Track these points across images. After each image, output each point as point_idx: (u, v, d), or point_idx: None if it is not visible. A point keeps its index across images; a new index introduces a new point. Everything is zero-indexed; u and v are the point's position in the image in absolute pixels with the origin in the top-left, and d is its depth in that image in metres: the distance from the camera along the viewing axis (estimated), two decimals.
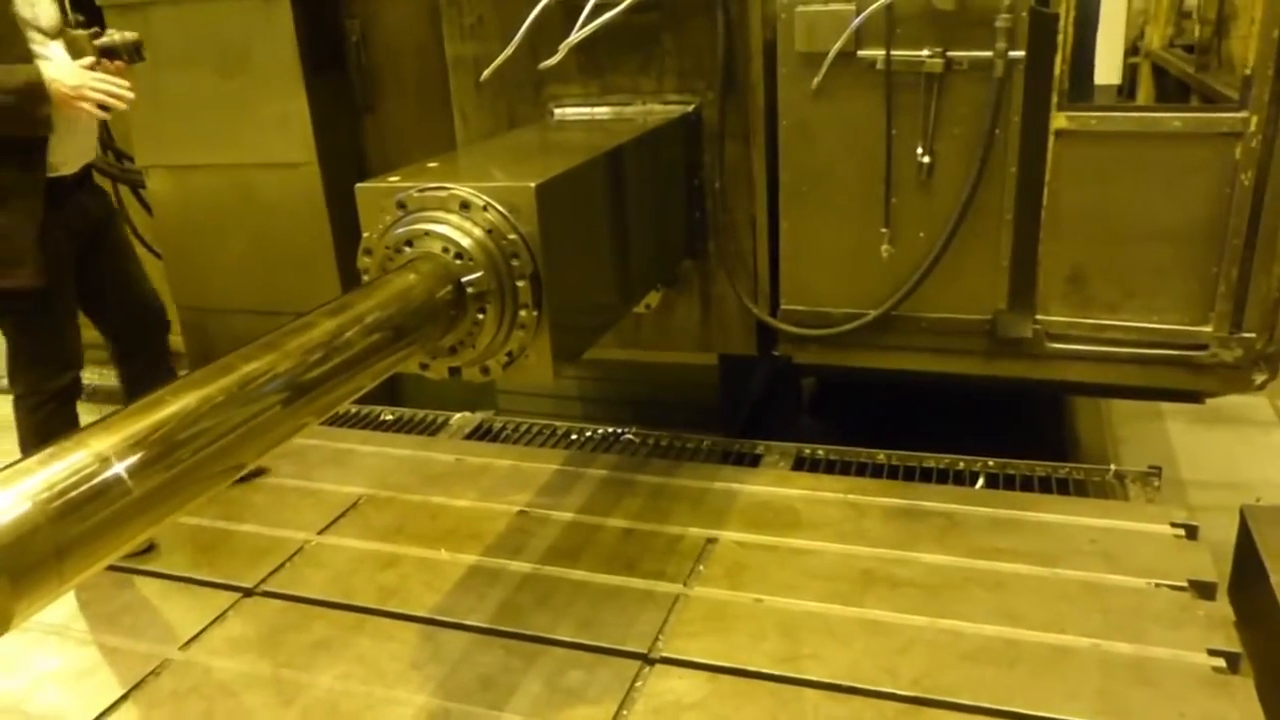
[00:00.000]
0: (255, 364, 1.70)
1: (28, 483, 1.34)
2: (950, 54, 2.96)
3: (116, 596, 2.92)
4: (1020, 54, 2.92)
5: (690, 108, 3.29)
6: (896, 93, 3.04)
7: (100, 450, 1.42)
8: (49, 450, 1.42)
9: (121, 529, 1.42)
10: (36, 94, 2.67)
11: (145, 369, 3.29)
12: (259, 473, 3.41)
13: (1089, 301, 3.13)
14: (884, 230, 3.16)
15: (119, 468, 1.42)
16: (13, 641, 2.71)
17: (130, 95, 2.83)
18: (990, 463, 3.37)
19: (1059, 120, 2.98)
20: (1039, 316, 3.17)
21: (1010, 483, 3.27)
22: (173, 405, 1.57)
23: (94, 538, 1.38)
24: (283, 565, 3.05)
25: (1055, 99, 2.96)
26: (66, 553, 1.34)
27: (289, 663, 2.62)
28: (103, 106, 2.82)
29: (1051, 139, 2.99)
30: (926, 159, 3.07)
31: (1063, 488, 3.23)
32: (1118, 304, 3.11)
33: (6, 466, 1.37)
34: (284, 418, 1.76)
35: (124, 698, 2.53)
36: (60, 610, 2.82)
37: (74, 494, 1.37)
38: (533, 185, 2.27)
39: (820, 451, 3.53)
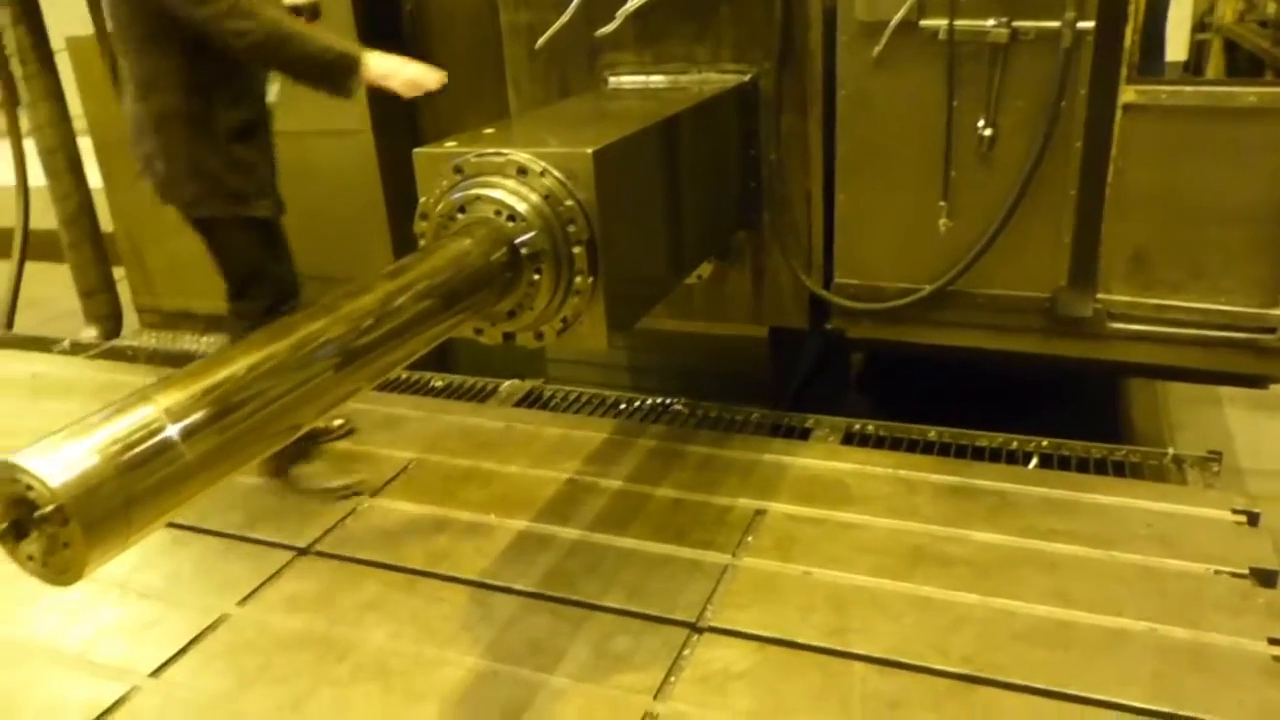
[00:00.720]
0: (318, 324, 1.72)
1: (97, 436, 1.38)
2: (1016, 24, 2.89)
3: (176, 552, 2.99)
4: (1089, 24, 2.84)
5: (746, 77, 3.25)
6: (959, 63, 2.98)
7: (167, 406, 1.45)
8: (117, 404, 1.45)
9: (185, 483, 1.45)
10: (351, 67, 2.76)
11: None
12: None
13: (1153, 281, 3.06)
14: (942, 204, 3.11)
15: (184, 424, 1.45)
16: (78, 593, 2.79)
17: (440, 78, 2.87)
18: (1044, 443, 3.31)
19: (1128, 94, 2.90)
20: (1100, 295, 3.11)
21: (1065, 464, 3.22)
22: (234, 365, 1.59)
23: (160, 491, 1.41)
24: (335, 526, 3.10)
25: (1124, 72, 2.88)
26: (135, 504, 1.37)
27: (341, 620, 2.66)
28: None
29: (1119, 113, 2.92)
30: (988, 132, 3.01)
31: (1118, 470, 3.17)
32: (1182, 284, 3.03)
33: (76, 421, 1.40)
34: (339, 381, 1.78)
35: (185, 649, 2.59)
36: (121, 564, 2.88)
37: (141, 448, 1.39)
38: (590, 151, 2.26)
39: (870, 427, 3.50)
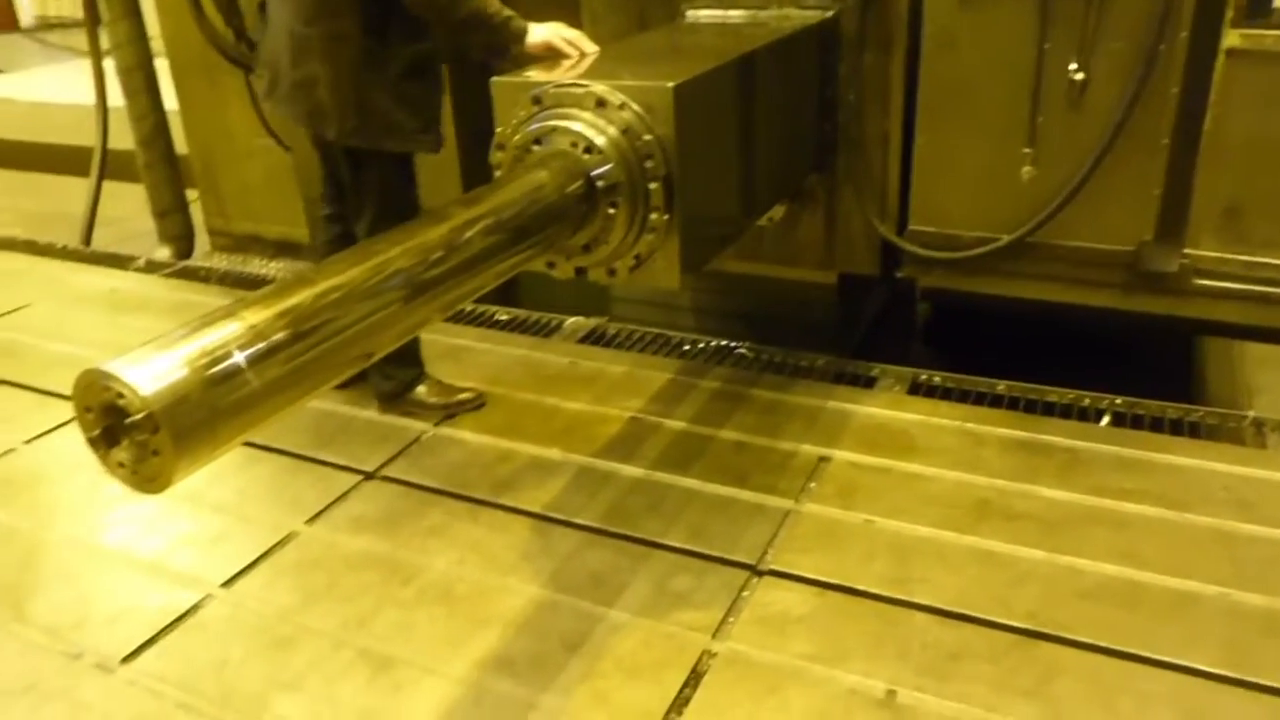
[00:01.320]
0: (411, 242, 1.73)
1: (185, 348, 1.40)
2: None
3: (247, 469, 3.06)
4: None
5: (829, 13, 3.17)
6: (1053, 3, 2.86)
7: (253, 323, 1.47)
8: (204, 319, 1.47)
9: (268, 399, 1.46)
10: (516, 35, 2.76)
11: None
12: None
13: (1244, 236, 2.96)
14: (1026, 151, 3.02)
15: (269, 341, 1.46)
16: (153, 504, 2.87)
17: (594, 48, 2.83)
18: (1118, 400, 3.23)
19: (1231, 38, 2.77)
20: (1187, 250, 3.01)
21: (1138, 423, 3.14)
22: (316, 287, 1.60)
23: (244, 406, 1.43)
24: (401, 453, 3.14)
25: (1229, 15, 2.75)
26: (220, 417, 1.39)
27: (406, 545, 2.71)
28: None
29: (1221, 58, 2.80)
30: (1080, 75, 2.90)
31: (1194, 432, 3.09)
32: (1276, 240, 2.92)
33: (165, 334, 1.42)
34: (415, 309, 1.78)
35: (255, 563, 2.66)
36: (194, 478, 2.95)
37: (227, 363, 1.41)
38: (671, 86, 2.22)
39: (937, 378, 3.44)
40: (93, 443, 1.37)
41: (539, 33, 2.75)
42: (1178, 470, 2.85)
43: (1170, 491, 2.75)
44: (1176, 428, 3.11)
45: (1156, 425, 3.12)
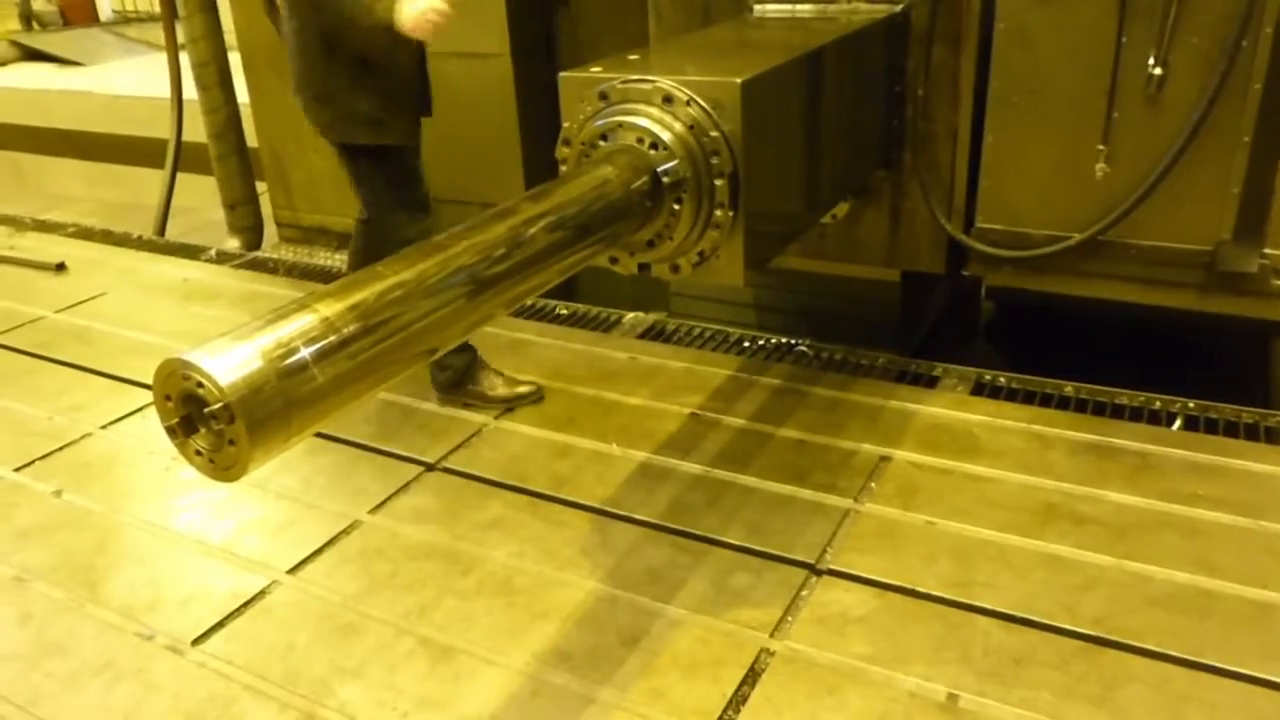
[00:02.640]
0: (480, 237, 1.75)
1: (261, 340, 1.42)
2: None
3: (311, 459, 3.12)
4: None
5: (898, 7, 3.12)
6: None
7: (326, 315, 1.49)
8: (279, 310, 1.49)
9: (342, 390, 1.49)
10: (380, 31, 2.81)
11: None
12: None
13: None
14: (1101, 148, 2.95)
15: (342, 333, 1.48)
16: (222, 491, 2.95)
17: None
18: (1190, 404, 3.15)
19: None
20: (1267, 250, 2.91)
21: (1212, 427, 3.06)
22: (388, 281, 1.62)
23: (318, 396, 1.45)
24: (462, 445, 3.18)
25: None
26: (294, 408, 1.41)
27: (466, 536, 2.74)
28: None
29: None
30: (1158, 71, 2.82)
31: (1270, 437, 3.00)
32: None
33: (242, 324, 1.45)
34: (479, 305, 1.80)
35: (320, 551, 2.71)
36: (262, 467, 3.04)
37: (302, 354, 1.44)
38: (739, 81, 2.21)
39: (1002, 378, 3.39)
40: (171, 431, 1.41)
41: (404, 18, 2.75)
42: (1253, 476, 2.77)
43: (1245, 498, 2.67)
44: (1252, 432, 3.02)
45: (1231, 430, 3.04)
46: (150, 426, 3.40)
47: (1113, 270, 3.10)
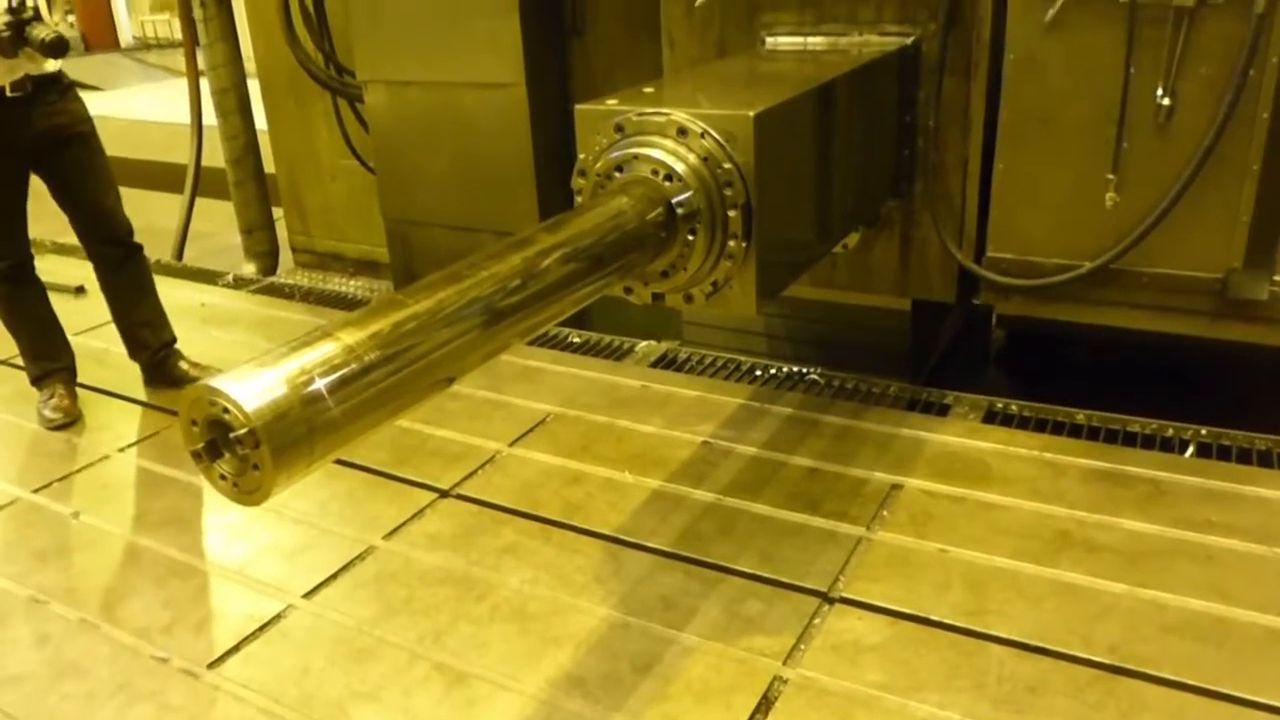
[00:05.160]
0: (497, 267, 1.78)
1: (284, 367, 1.46)
2: None
3: (327, 484, 3.14)
4: None
5: (909, 40, 3.16)
6: (1139, 27, 2.82)
7: (348, 343, 1.52)
8: (302, 338, 1.53)
9: (365, 415, 1.52)
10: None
11: (106, 275, 3.76)
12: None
13: None
14: (1110, 177, 2.97)
15: (364, 360, 1.52)
16: (238, 514, 2.97)
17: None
18: (1203, 431, 3.15)
19: None
20: (1277, 278, 2.93)
21: (1225, 454, 3.06)
22: (410, 310, 1.65)
23: (341, 422, 1.48)
24: (476, 471, 3.20)
25: None
26: (317, 434, 1.44)
27: (480, 562, 2.76)
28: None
29: None
30: (1166, 101, 2.85)
31: None
32: None
33: (266, 351, 1.49)
34: (495, 335, 1.83)
35: (335, 575, 2.73)
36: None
37: (325, 381, 1.47)
38: (752, 114, 2.24)
39: (1014, 406, 3.40)
40: (196, 455, 1.44)
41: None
42: (1267, 503, 2.77)
43: (1259, 524, 2.67)
44: (1265, 459, 3.02)
45: (1244, 456, 3.04)
46: (168, 450, 3.43)
47: (1124, 298, 3.11)
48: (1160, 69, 2.84)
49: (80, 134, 3.51)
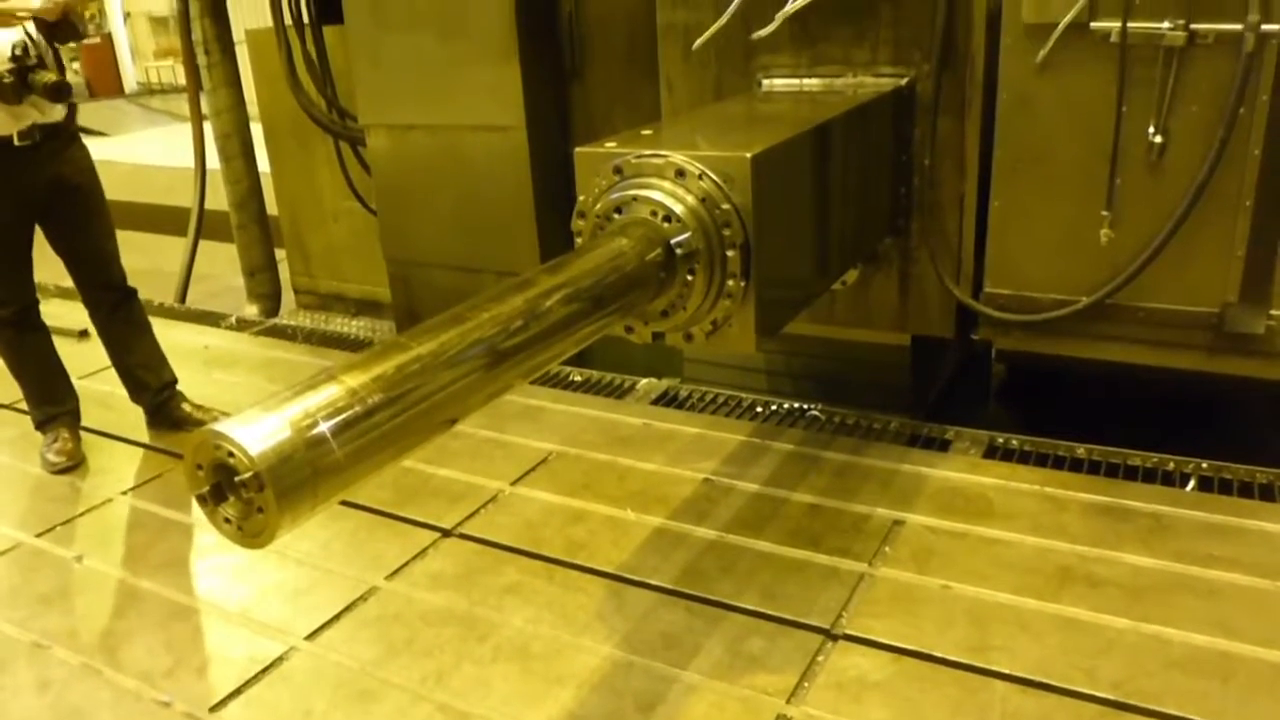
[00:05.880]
0: (498, 309, 1.80)
1: (288, 410, 1.47)
2: (1194, 26, 2.77)
3: (329, 524, 3.14)
4: (1275, 27, 2.69)
5: (904, 80, 3.21)
6: (1130, 67, 2.86)
7: (351, 386, 1.54)
8: (306, 381, 1.54)
9: (369, 457, 1.53)
10: None
11: (102, 319, 3.80)
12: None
13: None
14: (1105, 213, 3.00)
15: (368, 403, 1.53)
16: (240, 556, 2.97)
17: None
18: (1204, 464, 3.16)
19: None
20: (1273, 311, 2.95)
21: (1226, 487, 3.06)
22: (410, 353, 1.67)
23: (344, 465, 1.49)
24: (478, 510, 3.20)
25: None
26: (321, 476, 1.45)
27: (483, 602, 2.75)
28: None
29: None
30: (1158, 139, 2.89)
31: None
32: None
33: (270, 395, 1.50)
34: (497, 376, 1.85)
35: (337, 616, 2.73)
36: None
37: (328, 424, 1.48)
38: (748, 156, 2.27)
39: (1014, 441, 3.41)
40: (201, 499, 1.45)
41: None
42: (1269, 537, 2.77)
43: (1261, 558, 2.67)
44: (1266, 493, 3.03)
45: (1245, 490, 3.05)
46: (170, 492, 3.44)
47: (1121, 333, 3.13)
48: (1152, 107, 2.88)
49: (84, 183, 3.56)
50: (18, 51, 3.19)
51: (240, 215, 5.76)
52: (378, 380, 1.57)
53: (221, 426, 1.39)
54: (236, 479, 1.39)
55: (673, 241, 2.24)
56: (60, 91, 3.24)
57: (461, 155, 4.35)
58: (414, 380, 1.63)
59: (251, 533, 1.43)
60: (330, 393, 1.51)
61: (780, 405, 3.77)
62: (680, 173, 2.30)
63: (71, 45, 3.63)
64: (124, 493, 3.49)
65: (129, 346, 3.83)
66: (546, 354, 1.96)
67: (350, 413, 1.51)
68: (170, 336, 4.92)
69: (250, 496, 1.40)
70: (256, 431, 1.40)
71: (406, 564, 2.95)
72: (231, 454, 1.39)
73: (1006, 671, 2.35)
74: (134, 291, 3.81)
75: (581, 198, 2.42)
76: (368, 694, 2.44)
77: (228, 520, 1.45)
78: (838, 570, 2.77)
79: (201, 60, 5.44)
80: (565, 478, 3.37)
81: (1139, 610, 2.51)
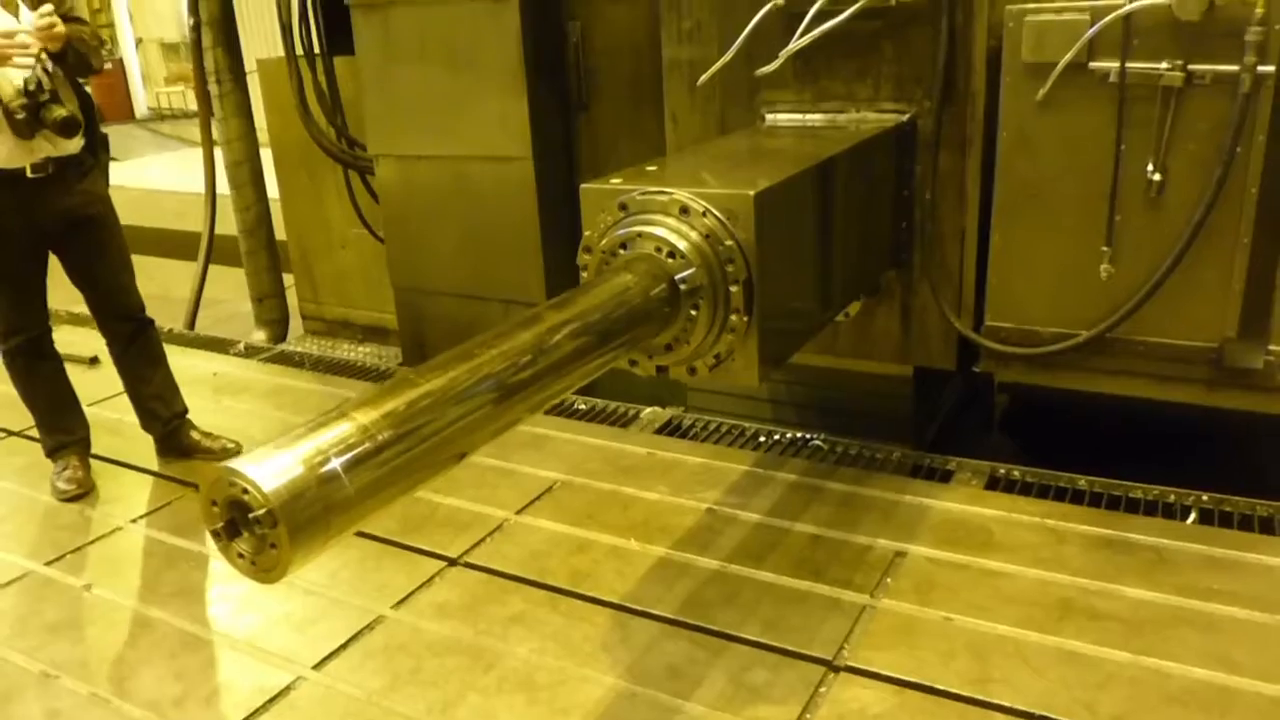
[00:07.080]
0: (507, 344, 1.84)
1: (301, 447, 1.51)
2: (1191, 67, 2.82)
3: (336, 554, 3.13)
4: (1270, 69, 2.74)
5: (905, 116, 3.26)
6: (1129, 106, 2.91)
7: (362, 423, 1.57)
8: (318, 419, 1.58)
9: (379, 492, 1.57)
10: None
11: (119, 350, 3.84)
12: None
13: None
14: (1105, 249, 3.04)
15: (378, 440, 1.56)
16: (247, 585, 2.99)
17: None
18: (1205, 497, 3.18)
19: None
20: (1272, 347, 2.98)
21: (1227, 520, 3.08)
22: (421, 389, 1.71)
23: (355, 501, 1.53)
24: (483, 540, 3.23)
25: None
26: (333, 512, 1.49)
27: (488, 631, 2.78)
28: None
29: None
30: (1157, 176, 2.93)
31: None
32: None
33: (285, 433, 1.54)
34: (506, 410, 1.88)
35: (345, 646, 2.75)
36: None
37: (340, 461, 1.52)
38: (752, 194, 2.32)
39: (1016, 472, 3.43)
40: (216, 535, 1.48)
41: None
42: (1269, 570, 2.79)
43: (1262, 592, 2.69)
44: (1267, 526, 3.05)
45: (1246, 523, 3.07)
46: (180, 520, 3.47)
47: (1121, 366, 3.16)
48: (1150, 145, 2.92)
49: (97, 214, 3.60)
50: (30, 86, 3.24)
51: (249, 242, 5.82)
52: (388, 416, 1.60)
53: (236, 464, 1.43)
54: (250, 515, 1.42)
55: (677, 277, 2.28)
56: (71, 127, 3.29)
57: (469, 185, 4.41)
58: (424, 416, 1.67)
59: (265, 568, 1.46)
60: (342, 429, 1.55)
61: (783, 435, 3.80)
62: (684, 209, 2.34)
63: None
64: (134, 520, 3.52)
65: (145, 377, 3.87)
66: (553, 389, 2.00)
67: (361, 449, 1.54)
68: (179, 363, 4.96)
69: (264, 532, 1.43)
70: (270, 469, 1.44)
71: (413, 593, 2.97)
72: (246, 490, 1.42)
73: (1007, 704, 2.36)
74: (150, 321, 3.85)
75: (587, 233, 2.47)
76: None
77: (241, 555, 1.48)
78: (840, 601, 2.79)
79: (213, 89, 5.52)
80: (570, 507, 3.40)
81: (1139, 644, 2.52)
